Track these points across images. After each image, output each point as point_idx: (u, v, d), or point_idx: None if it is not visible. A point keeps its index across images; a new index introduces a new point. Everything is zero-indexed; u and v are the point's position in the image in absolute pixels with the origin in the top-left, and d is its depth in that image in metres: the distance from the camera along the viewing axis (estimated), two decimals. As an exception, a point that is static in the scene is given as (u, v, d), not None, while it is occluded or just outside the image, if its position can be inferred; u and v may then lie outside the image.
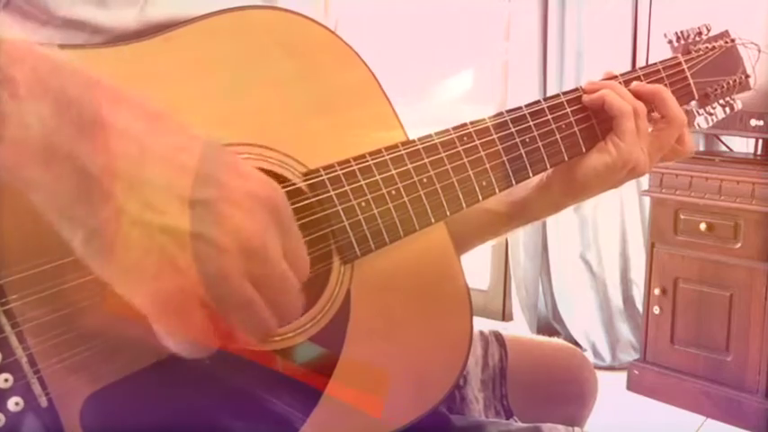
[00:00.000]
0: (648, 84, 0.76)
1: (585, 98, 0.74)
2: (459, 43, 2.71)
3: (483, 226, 0.80)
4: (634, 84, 0.76)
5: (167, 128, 0.43)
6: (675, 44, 0.84)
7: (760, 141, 2.12)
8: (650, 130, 0.75)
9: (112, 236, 0.39)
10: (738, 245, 2.01)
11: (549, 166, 0.71)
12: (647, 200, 2.28)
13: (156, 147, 0.41)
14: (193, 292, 0.41)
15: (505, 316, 2.88)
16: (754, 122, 2.02)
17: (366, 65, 0.63)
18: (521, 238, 2.63)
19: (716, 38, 0.84)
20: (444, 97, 2.58)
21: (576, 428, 0.73)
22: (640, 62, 2.24)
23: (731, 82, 0.84)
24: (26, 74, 0.39)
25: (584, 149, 0.73)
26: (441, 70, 2.66)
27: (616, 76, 0.77)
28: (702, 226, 2.06)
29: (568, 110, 0.72)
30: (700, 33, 0.84)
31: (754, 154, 2.14)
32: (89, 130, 0.39)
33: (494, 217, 0.79)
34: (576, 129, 0.73)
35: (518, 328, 2.64)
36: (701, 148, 2.36)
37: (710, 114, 0.83)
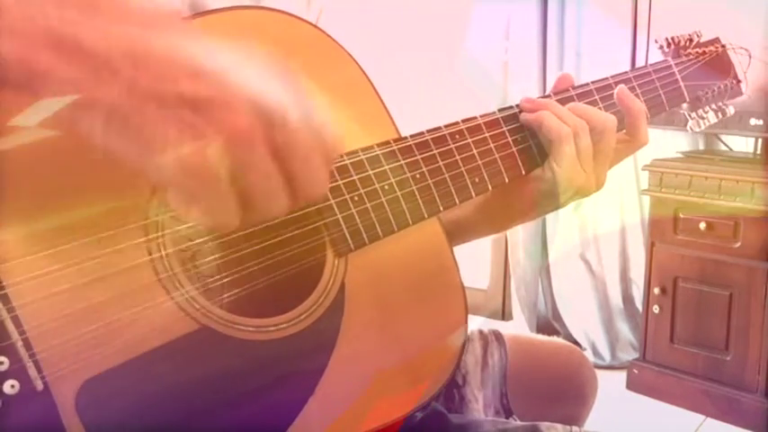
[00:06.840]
0: (630, 102, 0.72)
1: (523, 117, 0.70)
2: (459, 43, 2.71)
3: None
4: (617, 90, 0.72)
5: (164, 6, 0.43)
6: (666, 49, 0.84)
7: (759, 141, 2.13)
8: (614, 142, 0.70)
9: (130, 111, 0.40)
10: (738, 244, 2.02)
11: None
12: (646, 199, 2.29)
13: (158, 21, 0.42)
14: (215, 156, 0.41)
15: (505, 315, 2.88)
16: (753, 122, 2.02)
17: (357, 63, 0.63)
18: (520, 238, 2.63)
19: (706, 43, 0.85)
20: (443, 97, 2.58)
21: (575, 427, 0.73)
22: (640, 62, 2.24)
23: (722, 86, 0.84)
24: None
25: (523, 171, 0.69)
26: (440, 70, 2.66)
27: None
28: (702, 225, 2.06)
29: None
30: (690, 39, 0.84)
31: (754, 153, 2.14)
32: (91, 14, 0.40)
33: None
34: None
35: (518, 328, 2.65)
36: (701, 147, 2.37)
37: (702, 118, 0.84)
